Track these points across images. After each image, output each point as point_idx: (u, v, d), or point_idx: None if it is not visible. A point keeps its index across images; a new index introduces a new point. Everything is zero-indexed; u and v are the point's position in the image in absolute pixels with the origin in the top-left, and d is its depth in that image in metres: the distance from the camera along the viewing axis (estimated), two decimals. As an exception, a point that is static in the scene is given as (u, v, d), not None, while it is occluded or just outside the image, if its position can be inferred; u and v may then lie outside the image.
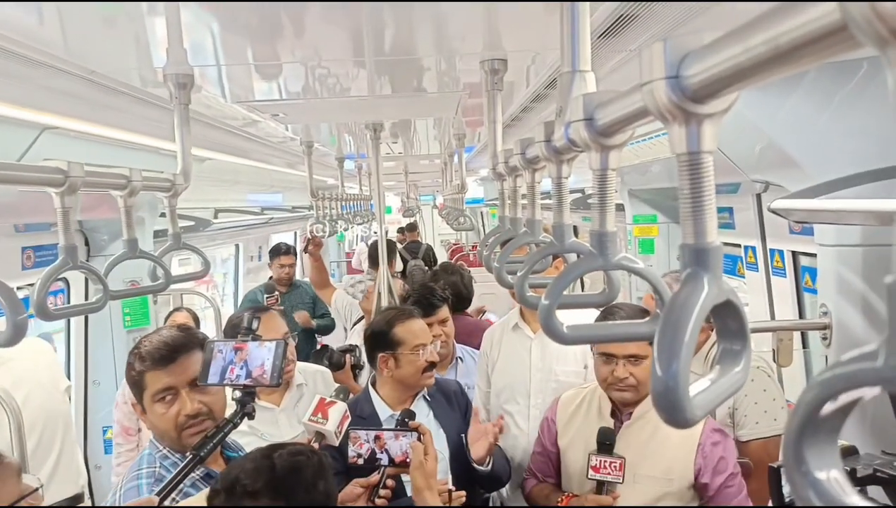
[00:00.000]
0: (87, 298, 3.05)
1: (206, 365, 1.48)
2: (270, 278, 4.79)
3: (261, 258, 6.49)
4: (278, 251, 4.67)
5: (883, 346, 0.29)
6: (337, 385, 2.41)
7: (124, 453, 2.80)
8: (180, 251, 1.58)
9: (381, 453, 1.77)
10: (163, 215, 2.99)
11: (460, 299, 3.36)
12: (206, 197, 4.12)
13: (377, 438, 1.79)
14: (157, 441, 1.55)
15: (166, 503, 1.33)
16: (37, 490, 1.22)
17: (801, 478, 0.32)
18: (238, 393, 1.49)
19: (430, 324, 2.49)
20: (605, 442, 1.91)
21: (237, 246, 6.15)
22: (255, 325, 1.58)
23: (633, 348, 1.90)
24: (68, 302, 3.01)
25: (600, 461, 1.88)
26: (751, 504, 1.96)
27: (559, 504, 2.00)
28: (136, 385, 1.52)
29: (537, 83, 2.04)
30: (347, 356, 2.90)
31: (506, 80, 1.68)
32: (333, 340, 4.14)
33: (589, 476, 1.90)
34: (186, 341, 1.54)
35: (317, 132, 3.17)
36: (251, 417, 1.50)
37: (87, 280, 3.03)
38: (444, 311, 2.85)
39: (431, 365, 2.12)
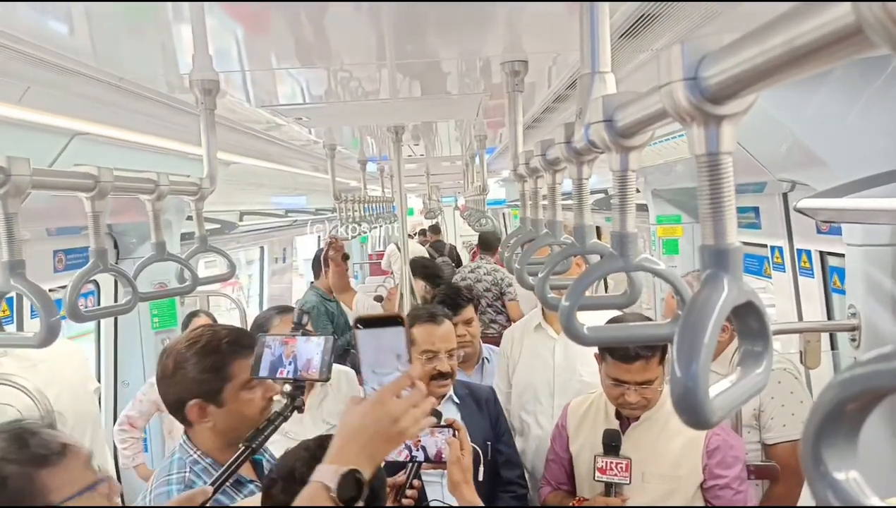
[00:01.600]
0: (116, 300, 3.11)
1: (257, 359, 1.50)
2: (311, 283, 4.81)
3: (285, 260, 6.56)
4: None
5: (901, 347, 0.29)
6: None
7: (129, 439, 3.00)
8: (206, 254, 1.61)
9: (417, 450, 1.77)
10: (189, 218, 3.04)
11: None
12: (231, 200, 4.18)
13: None
14: (189, 446, 1.55)
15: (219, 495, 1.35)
16: (104, 481, 1.17)
17: (819, 479, 0.32)
18: (288, 387, 1.51)
19: (454, 324, 2.51)
20: (612, 444, 1.91)
21: (262, 248, 6.22)
22: (304, 320, 1.61)
23: (646, 375, 1.89)
24: (98, 304, 3.07)
25: (606, 462, 1.88)
26: (752, 503, 1.93)
27: None
28: (216, 374, 1.52)
29: (558, 84, 2.03)
30: None
31: (527, 81, 1.68)
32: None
33: (596, 479, 1.90)
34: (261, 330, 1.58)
35: (339, 135, 3.19)
36: (301, 410, 1.52)
37: (116, 282, 3.09)
38: (469, 311, 2.86)
39: (442, 375, 2.09)
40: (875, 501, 0.31)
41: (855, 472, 0.32)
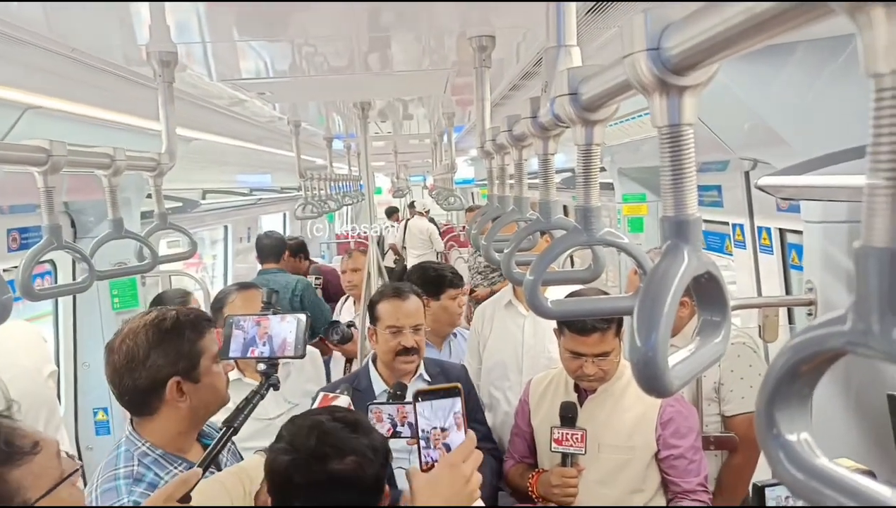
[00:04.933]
0: (74, 281, 3.02)
1: (226, 341, 1.51)
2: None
3: (250, 239, 6.46)
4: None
5: (851, 310, 0.30)
6: (345, 377, 2.45)
7: None
8: (168, 233, 1.58)
9: (403, 426, 1.76)
10: (150, 196, 2.97)
11: None
12: (193, 177, 4.08)
13: (398, 411, 1.78)
14: (136, 438, 1.50)
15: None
16: (77, 471, 1.19)
17: (772, 440, 0.33)
18: (262, 366, 1.53)
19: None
20: (568, 416, 1.95)
21: (226, 227, 6.11)
22: (273, 299, 1.63)
23: (602, 347, 1.92)
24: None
25: (563, 433, 1.92)
26: (705, 474, 1.99)
27: (530, 481, 2.04)
28: (192, 349, 1.52)
29: (527, 61, 2.03)
30: (353, 329, 3.13)
31: (495, 57, 1.66)
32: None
33: (552, 449, 1.94)
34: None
35: (304, 111, 3.14)
36: (276, 388, 1.54)
37: (73, 262, 3.01)
38: (455, 290, 2.89)
39: (406, 350, 2.12)
40: (825, 461, 0.32)
41: (806, 434, 0.33)
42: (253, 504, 1.48)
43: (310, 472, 1.22)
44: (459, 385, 1.30)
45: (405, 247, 8.52)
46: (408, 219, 9.40)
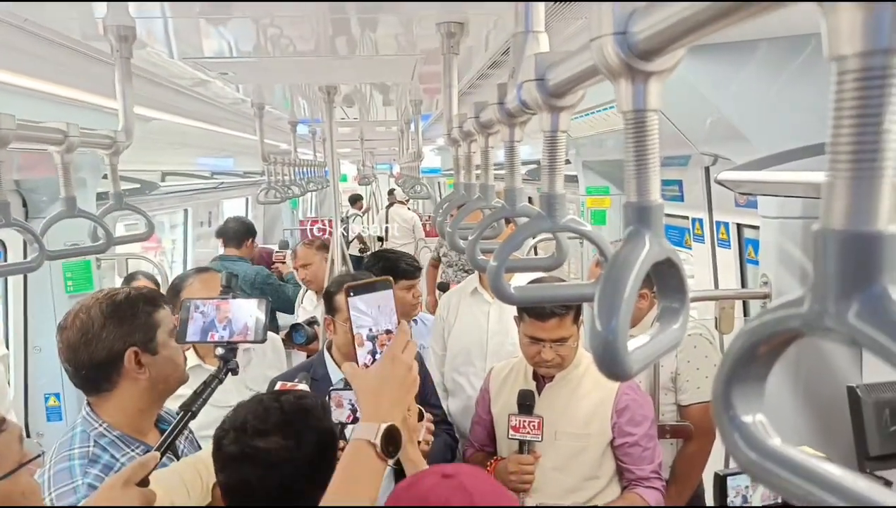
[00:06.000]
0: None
1: (183, 324, 1.48)
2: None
3: (210, 224, 6.34)
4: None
5: (808, 293, 0.30)
6: (302, 364, 2.41)
7: None
8: (126, 215, 1.54)
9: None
10: (106, 177, 2.88)
11: None
12: (152, 159, 3.97)
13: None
14: (93, 418, 1.47)
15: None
16: (39, 456, 1.17)
17: (728, 422, 0.33)
18: (221, 350, 1.50)
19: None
20: (525, 403, 1.97)
21: (186, 211, 5.98)
22: (233, 283, 1.60)
23: (560, 332, 1.94)
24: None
25: (520, 420, 1.95)
26: (659, 462, 2.04)
27: (489, 469, 2.06)
28: (148, 320, 1.51)
29: (495, 49, 2.02)
30: (315, 327, 3.02)
31: (463, 45, 1.66)
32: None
33: (509, 437, 1.96)
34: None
35: (269, 94, 3.08)
36: (235, 373, 1.52)
37: (25, 244, 2.90)
38: (414, 280, 2.88)
39: None
40: (778, 442, 0.32)
41: (761, 415, 0.34)
42: (210, 497, 1.46)
43: (233, 445, 1.25)
44: (391, 278, 1.28)
45: (384, 237, 8.41)
46: (388, 207, 9.28)
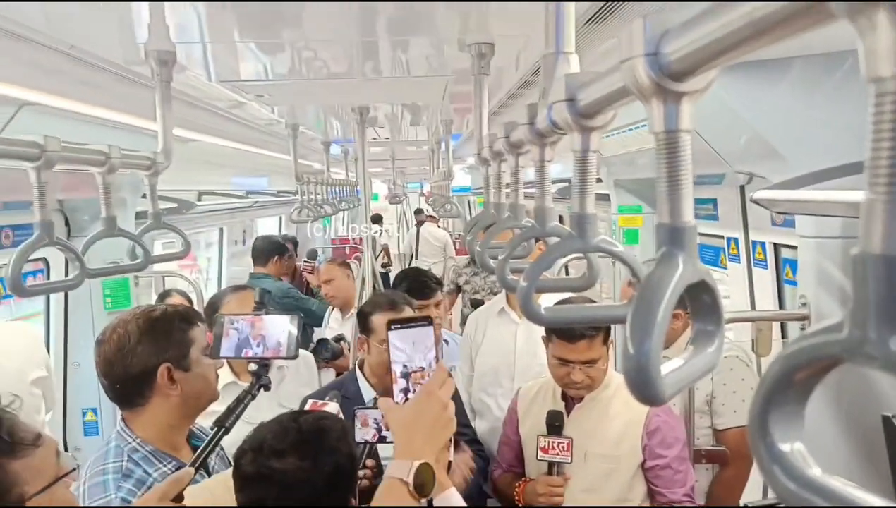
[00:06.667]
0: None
1: (217, 340, 1.51)
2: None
3: (245, 242, 6.44)
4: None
5: (848, 318, 0.29)
6: (333, 383, 2.43)
7: None
8: (164, 234, 1.58)
9: (388, 431, 1.75)
10: (145, 197, 2.95)
11: None
12: (189, 179, 4.07)
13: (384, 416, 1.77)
14: (127, 434, 1.49)
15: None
16: (74, 470, 1.19)
17: (765, 450, 0.32)
18: (254, 366, 1.52)
19: (425, 307, 2.55)
20: (555, 424, 1.94)
21: (221, 229, 6.10)
22: (265, 299, 1.64)
23: (590, 354, 1.92)
24: (48, 283, 2.96)
25: (549, 442, 1.92)
26: (692, 485, 1.99)
27: (517, 490, 2.03)
28: (183, 337, 1.54)
29: (526, 69, 2.03)
30: (342, 343, 3.04)
31: (494, 65, 1.67)
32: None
33: (538, 458, 1.94)
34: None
35: (303, 115, 3.14)
36: (267, 388, 1.54)
37: (66, 262, 2.99)
38: (438, 296, 2.88)
39: None
40: (818, 472, 0.31)
41: (800, 444, 0.33)
42: None
43: (251, 465, 1.25)
44: (431, 316, 1.29)
45: (415, 255, 8.39)
46: (418, 225, 9.26)
